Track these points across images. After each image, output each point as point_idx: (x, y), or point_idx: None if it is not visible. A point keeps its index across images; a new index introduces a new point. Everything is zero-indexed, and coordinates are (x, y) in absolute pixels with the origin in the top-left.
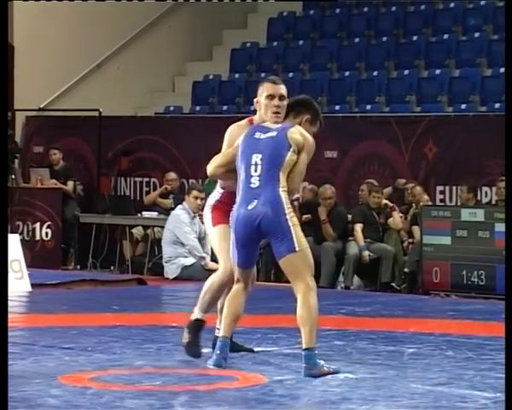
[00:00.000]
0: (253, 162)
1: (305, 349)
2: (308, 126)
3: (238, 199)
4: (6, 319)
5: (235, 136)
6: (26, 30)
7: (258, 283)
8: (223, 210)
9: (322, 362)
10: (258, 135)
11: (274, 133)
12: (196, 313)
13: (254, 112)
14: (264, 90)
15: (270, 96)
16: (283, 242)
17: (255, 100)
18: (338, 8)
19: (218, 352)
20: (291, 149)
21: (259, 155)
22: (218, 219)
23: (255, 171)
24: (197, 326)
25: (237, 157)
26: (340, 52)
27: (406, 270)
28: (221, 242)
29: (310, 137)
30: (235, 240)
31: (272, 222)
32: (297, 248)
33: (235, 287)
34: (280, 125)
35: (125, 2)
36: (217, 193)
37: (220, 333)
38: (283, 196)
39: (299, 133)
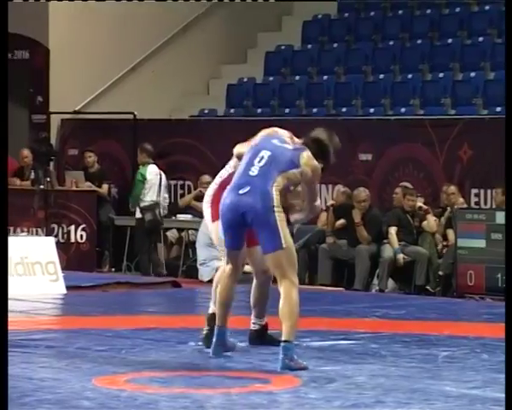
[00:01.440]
0: (260, 155)
1: (285, 341)
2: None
3: (232, 183)
4: (6, 318)
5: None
6: (62, 33)
7: None
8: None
9: (296, 357)
10: (275, 141)
11: (290, 146)
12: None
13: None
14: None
15: None
16: (271, 238)
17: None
18: (373, 10)
19: (215, 340)
20: (297, 169)
21: (269, 153)
22: (217, 215)
23: (259, 162)
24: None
25: (248, 147)
26: (374, 55)
27: (441, 273)
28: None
29: (318, 166)
30: (221, 222)
31: (260, 216)
32: (284, 246)
33: (226, 271)
34: (297, 145)
35: (161, 5)
36: (213, 186)
37: (216, 323)
38: (274, 193)
39: (309, 165)
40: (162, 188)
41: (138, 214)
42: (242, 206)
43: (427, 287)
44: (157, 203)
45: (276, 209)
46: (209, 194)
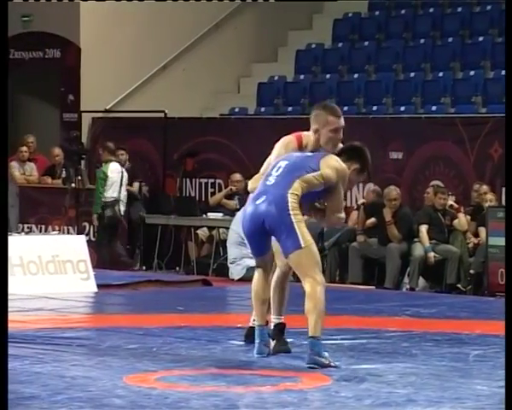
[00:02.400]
0: (277, 166)
1: (311, 337)
2: (355, 176)
3: (252, 194)
4: (6, 318)
5: (282, 150)
6: (93, 32)
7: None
8: None
9: (326, 354)
10: (297, 153)
11: (311, 154)
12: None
13: None
14: (328, 123)
15: (335, 130)
16: (288, 239)
17: (314, 128)
18: (403, 8)
19: (258, 340)
20: (316, 173)
21: (286, 162)
22: None
23: (276, 171)
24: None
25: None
26: (405, 53)
27: (472, 271)
28: None
29: (342, 167)
30: (244, 232)
31: (276, 220)
32: (302, 245)
33: (256, 274)
34: (322, 153)
35: (191, 3)
36: None
37: (256, 322)
38: (290, 197)
39: (332, 166)
40: (123, 185)
41: (99, 210)
42: (260, 214)
43: (458, 285)
44: (117, 200)
45: (291, 212)
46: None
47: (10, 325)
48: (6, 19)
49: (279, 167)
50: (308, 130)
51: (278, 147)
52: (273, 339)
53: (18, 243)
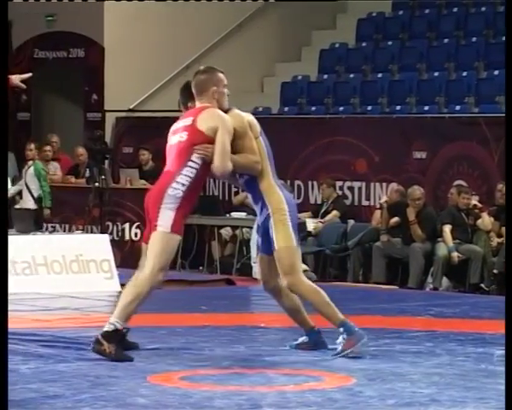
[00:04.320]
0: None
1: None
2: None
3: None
4: (6, 318)
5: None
6: (116, 32)
7: (345, 284)
8: (185, 213)
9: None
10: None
11: None
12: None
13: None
14: (220, 80)
15: (225, 86)
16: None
17: (213, 89)
18: (427, 8)
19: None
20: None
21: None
22: (178, 226)
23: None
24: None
25: (263, 150)
26: (429, 52)
27: (495, 271)
28: (164, 252)
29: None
30: (295, 223)
31: None
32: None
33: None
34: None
35: (215, 3)
36: (184, 182)
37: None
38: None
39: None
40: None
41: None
42: None
43: (482, 285)
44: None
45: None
46: (179, 189)
47: (34, 324)
48: (6, 19)
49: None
50: (338, 130)
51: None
52: None
53: (42, 243)
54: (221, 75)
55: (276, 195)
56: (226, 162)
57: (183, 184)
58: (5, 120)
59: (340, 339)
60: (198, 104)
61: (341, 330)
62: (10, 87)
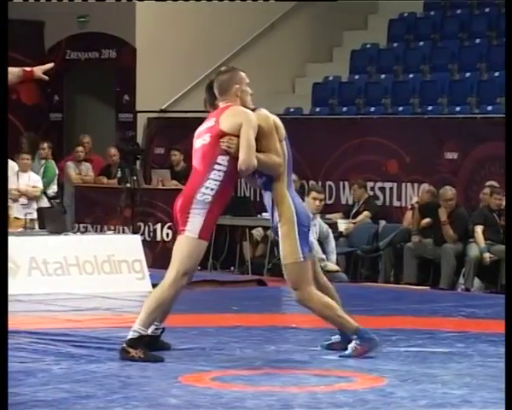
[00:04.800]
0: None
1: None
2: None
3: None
4: (6, 319)
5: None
6: (148, 32)
7: (377, 284)
8: (214, 217)
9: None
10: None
11: None
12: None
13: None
14: (242, 79)
15: (248, 84)
16: None
17: (236, 87)
18: (459, 8)
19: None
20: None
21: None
22: (206, 232)
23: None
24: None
25: (285, 155)
26: (460, 53)
27: None
28: (189, 258)
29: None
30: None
31: None
32: None
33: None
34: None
35: (247, 4)
36: (212, 187)
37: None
38: None
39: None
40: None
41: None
42: None
43: None
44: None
45: None
46: (209, 194)
47: (66, 325)
48: (6, 19)
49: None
50: (369, 131)
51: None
52: None
53: (74, 243)
54: (243, 74)
55: (287, 205)
56: (251, 157)
57: (212, 189)
58: (5, 121)
59: (353, 344)
60: (221, 104)
61: (355, 337)
62: (33, 79)
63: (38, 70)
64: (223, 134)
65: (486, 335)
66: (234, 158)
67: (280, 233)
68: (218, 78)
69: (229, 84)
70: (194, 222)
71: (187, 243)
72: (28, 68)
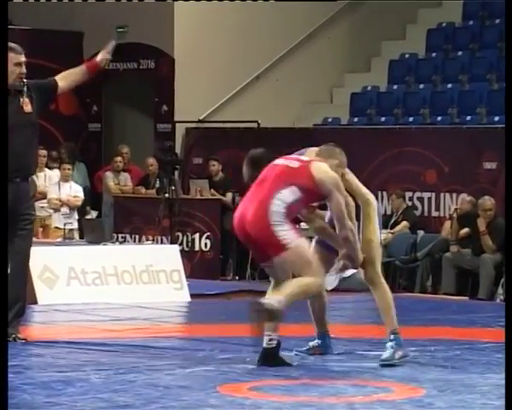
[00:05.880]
0: None
1: None
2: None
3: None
4: (6, 320)
5: None
6: (187, 42)
7: (414, 294)
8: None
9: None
10: None
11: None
12: None
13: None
14: (344, 165)
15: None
16: None
17: (336, 163)
18: (498, 18)
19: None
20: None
21: None
22: (299, 232)
23: None
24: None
25: None
26: (499, 63)
27: None
28: (311, 259)
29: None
30: None
31: None
32: None
33: None
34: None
35: (285, 13)
36: (284, 199)
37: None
38: None
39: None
40: None
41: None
42: None
43: None
44: None
45: None
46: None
47: (105, 335)
48: (6, 19)
49: None
50: (407, 141)
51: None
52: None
53: (112, 253)
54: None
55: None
56: (348, 226)
57: (284, 201)
58: (5, 121)
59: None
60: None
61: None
62: (99, 67)
63: (101, 54)
64: (310, 176)
65: None
66: None
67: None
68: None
69: (335, 156)
70: (285, 232)
71: (297, 253)
72: (90, 61)
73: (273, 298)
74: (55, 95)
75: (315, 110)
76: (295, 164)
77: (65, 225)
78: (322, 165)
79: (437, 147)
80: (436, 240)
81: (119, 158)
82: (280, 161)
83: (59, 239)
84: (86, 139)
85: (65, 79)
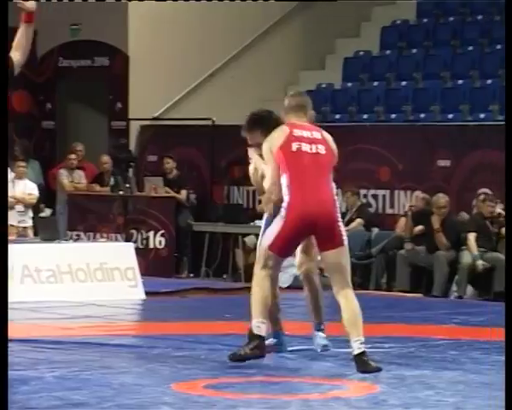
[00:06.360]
0: None
1: None
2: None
3: None
4: (6, 321)
5: None
6: (141, 40)
7: (369, 291)
8: None
9: None
10: None
11: None
12: None
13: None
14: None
15: None
16: None
17: (313, 113)
18: (451, 15)
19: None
20: None
21: None
22: None
23: None
24: None
25: None
26: (453, 60)
27: None
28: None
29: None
30: None
31: None
32: None
33: None
34: None
35: (239, 11)
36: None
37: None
38: None
39: None
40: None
41: None
42: None
43: None
44: None
45: None
46: None
47: (59, 333)
48: (6, 19)
49: None
50: (362, 139)
51: None
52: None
53: (66, 251)
54: None
55: None
56: None
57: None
58: (5, 120)
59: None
60: (299, 121)
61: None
62: (29, 11)
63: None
64: (332, 152)
65: (479, 342)
66: None
67: None
68: (305, 97)
69: (309, 107)
70: (343, 230)
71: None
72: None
73: None
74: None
75: (269, 107)
76: (323, 149)
77: (19, 222)
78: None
79: (391, 144)
80: (390, 237)
81: (73, 156)
82: (313, 147)
83: (13, 237)
84: (40, 137)
85: (17, 49)
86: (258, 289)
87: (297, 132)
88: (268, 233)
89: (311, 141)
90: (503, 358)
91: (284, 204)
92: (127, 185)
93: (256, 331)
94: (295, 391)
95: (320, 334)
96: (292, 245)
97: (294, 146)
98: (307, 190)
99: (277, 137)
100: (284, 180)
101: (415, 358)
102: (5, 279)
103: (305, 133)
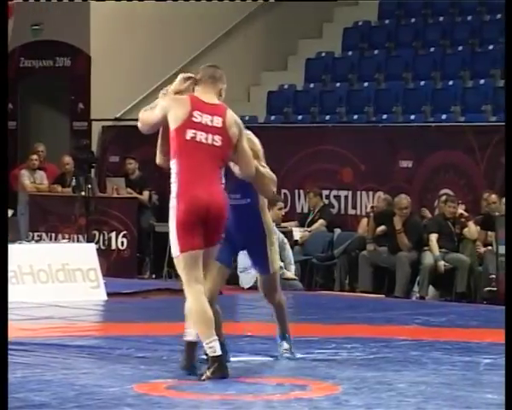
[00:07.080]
0: None
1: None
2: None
3: None
4: (6, 322)
5: None
6: (103, 40)
7: (331, 292)
8: None
9: None
10: None
11: None
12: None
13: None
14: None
15: None
16: None
17: (224, 87)
18: (413, 17)
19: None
20: None
21: None
22: None
23: None
24: None
25: None
26: (415, 61)
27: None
28: None
29: None
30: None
31: None
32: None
33: None
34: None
35: (201, 12)
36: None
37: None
38: None
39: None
40: None
41: None
42: None
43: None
44: None
45: None
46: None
47: (21, 334)
48: (6, 19)
49: None
50: (324, 139)
51: None
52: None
53: (28, 252)
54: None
55: (268, 217)
56: (253, 168)
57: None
58: (5, 120)
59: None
60: (206, 96)
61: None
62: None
63: None
64: (230, 142)
65: (441, 343)
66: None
67: (267, 242)
68: (217, 70)
69: (221, 80)
70: None
71: None
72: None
73: None
74: None
75: (232, 108)
76: (219, 141)
77: None
78: (232, 117)
79: (353, 145)
80: (353, 238)
81: (34, 156)
82: (209, 138)
83: None
84: None
85: None
86: (195, 308)
87: (196, 117)
88: (171, 242)
89: (209, 130)
90: (465, 358)
91: (173, 194)
92: (89, 186)
93: (211, 354)
94: (258, 392)
95: (284, 343)
96: (196, 233)
97: (189, 134)
98: (197, 182)
99: (177, 107)
100: (174, 166)
101: (377, 359)
102: (5, 279)
103: (205, 119)
